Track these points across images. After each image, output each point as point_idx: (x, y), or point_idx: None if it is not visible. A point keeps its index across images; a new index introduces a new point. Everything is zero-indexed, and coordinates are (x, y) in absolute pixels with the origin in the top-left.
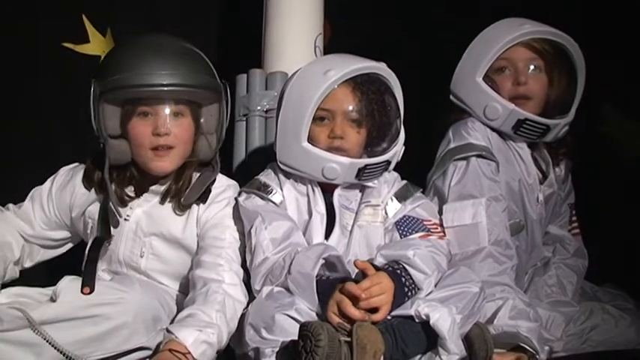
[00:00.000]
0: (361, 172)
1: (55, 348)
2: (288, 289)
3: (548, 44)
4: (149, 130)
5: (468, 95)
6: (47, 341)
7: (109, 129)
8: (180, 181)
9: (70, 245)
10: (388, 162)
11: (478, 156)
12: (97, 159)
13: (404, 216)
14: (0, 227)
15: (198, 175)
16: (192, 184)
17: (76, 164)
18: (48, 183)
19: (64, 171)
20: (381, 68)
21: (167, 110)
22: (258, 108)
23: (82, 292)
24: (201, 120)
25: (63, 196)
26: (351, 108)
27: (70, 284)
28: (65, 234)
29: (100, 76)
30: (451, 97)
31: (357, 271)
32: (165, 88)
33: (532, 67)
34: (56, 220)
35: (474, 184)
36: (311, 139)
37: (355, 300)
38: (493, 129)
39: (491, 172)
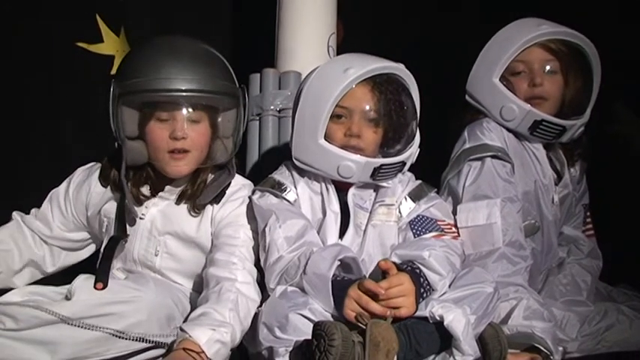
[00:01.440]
0: (376, 172)
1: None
2: (302, 289)
3: (564, 45)
4: (166, 134)
5: (484, 96)
6: (87, 328)
7: (126, 131)
8: (195, 184)
9: (92, 247)
10: (403, 163)
11: (493, 157)
12: (114, 159)
13: (418, 215)
14: (4, 235)
15: (213, 176)
16: (208, 186)
17: (92, 164)
18: (65, 183)
19: (80, 171)
20: (399, 69)
21: (184, 115)
22: (272, 107)
23: (94, 287)
24: (219, 124)
25: (80, 196)
26: (369, 107)
27: (84, 282)
28: (84, 235)
29: (119, 78)
30: (467, 97)
31: (370, 271)
32: (184, 94)
33: (548, 68)
34: (74, 221)
35: (488, 184)
36: (327, 137)
37: (374, 298)
38: (509, 129)
39: (506, 174)
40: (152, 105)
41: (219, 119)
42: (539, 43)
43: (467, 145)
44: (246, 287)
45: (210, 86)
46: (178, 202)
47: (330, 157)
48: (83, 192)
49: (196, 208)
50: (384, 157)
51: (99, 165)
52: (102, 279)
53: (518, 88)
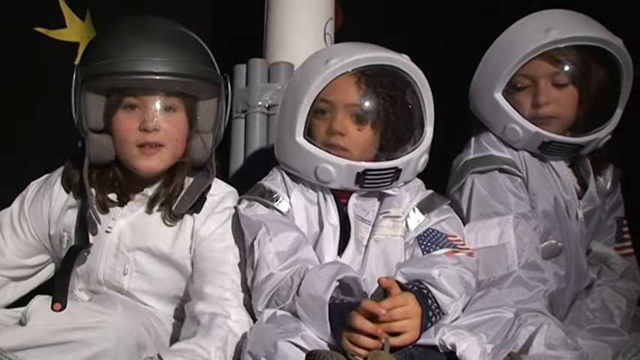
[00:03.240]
0: (361, 178)
1: None
2: (294, 313)
3: (577, 50)
4: (135, 125)
5: (485, 111)
6: None
7: (90, 122)
8: (170, 185)
9: (47, 271)
10: (398, 170)
11: (500, 170)
12: (77, 158)
13: (427, 229)
14: None
15: (191, 180)
16: (185, 191)
17: (47, 175)
18: (17, 202)
19: (34, 184)
20: (397, 60)
21: (157, 103)
22: (259, 103)
23: (52, 308)
24: (197, 116)
25: (38, 212)
26: (352, 101)
27: (42, 305)
28: (42, 258)
29: (83, 62)
30: (470, 107)
31: (372, 292)
32: (156, 77)
33: (556, 82)
34: (33, 242)
35: (498, 200)
36: (310, 134)
37: (373, 320)
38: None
39: (516, 188)
40: (120, 91)
41: (198, 109)
42: (546, 53)
43: (471, 156)
44: (239, 326)
45: (187, 70)
46: (150, 209)
47: (307, 157)
48: (44, 206)
49: (172, 216)
50: (377, 160)
51: (58, 174)
52: (60, 298)
53: (522, 106)
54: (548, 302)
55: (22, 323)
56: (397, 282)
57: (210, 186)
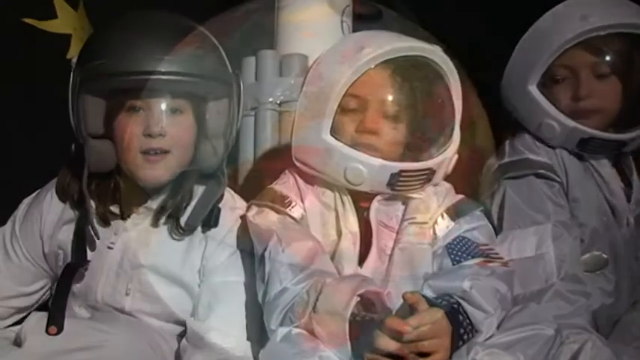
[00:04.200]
0: (394, 180)
1: None
2: (311, 331)
3: (618, 38)
4: (139, 130)
5: (519, 105)
6: None
7: (90, 126)
8: (178, 195)
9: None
10: (432, 171)
11: (536, 175)
12: (72, 166)
13: (457, 237)
14: None
15: (200, 189)
16: (196, 202)
17: (38, 191)
18: (9, 223)
19: (25, 202)
20: (432, 51)
21: (162, 105)
22: (270, 99)
23: (47, 332)
24: (206, 119)
25: (28, 229)
26: (387, 96)
27: (38, 324)
28: (41, 284)
29: (81, 61)
30: (503, 102)
31: (398, 307)
32: (163, 77)
33: (598, 72)
34: (29, 266)
35: (535, 207)
36: (336, 132)
37: (399, 339)
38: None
39: (554, 195)
40: (122, 92)
41: (207, 112)
42: (585, 41)
43: (505, 159)
44: None
45: (195, 68)
46: (156, 221)
47: (336, 157)
48: (34, 224)
49: (180, 230)
50: (406, 160)
51: (49, 188)
52: (56, 321)
53: (560, 99)
54: (592, 320)
55: (17, 344)
56: (425, 297)
57: (222, 196)
